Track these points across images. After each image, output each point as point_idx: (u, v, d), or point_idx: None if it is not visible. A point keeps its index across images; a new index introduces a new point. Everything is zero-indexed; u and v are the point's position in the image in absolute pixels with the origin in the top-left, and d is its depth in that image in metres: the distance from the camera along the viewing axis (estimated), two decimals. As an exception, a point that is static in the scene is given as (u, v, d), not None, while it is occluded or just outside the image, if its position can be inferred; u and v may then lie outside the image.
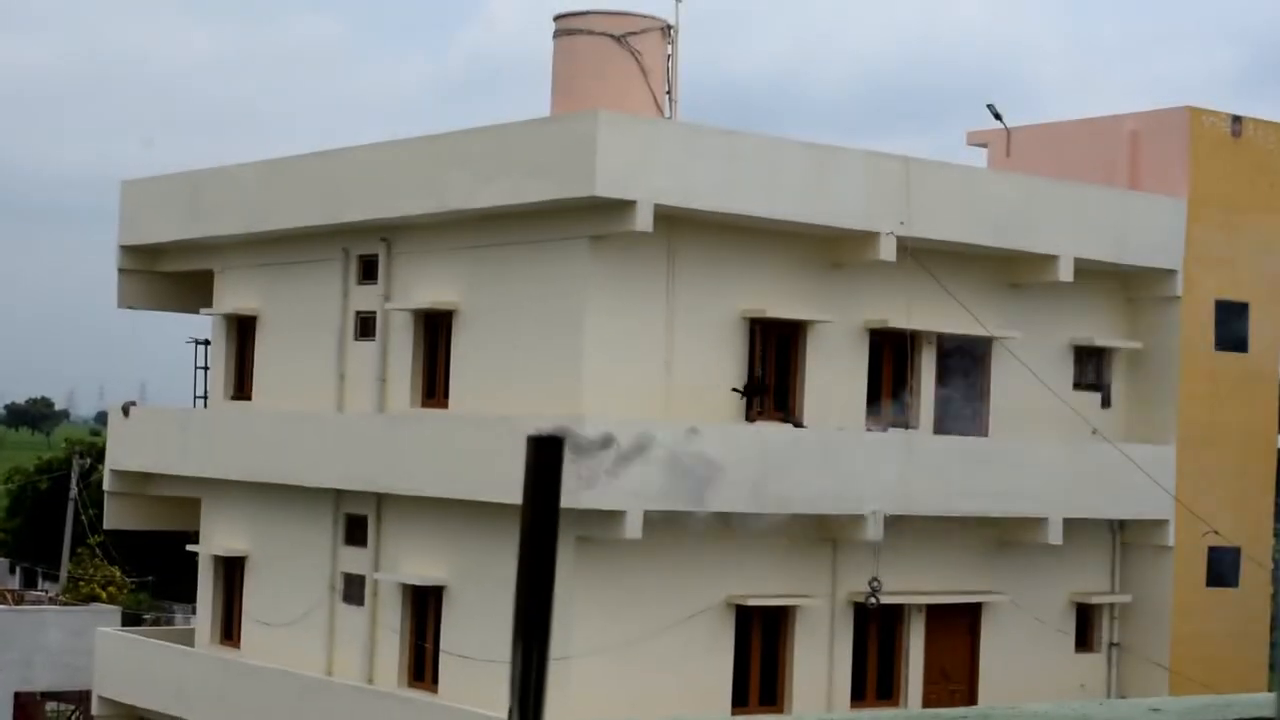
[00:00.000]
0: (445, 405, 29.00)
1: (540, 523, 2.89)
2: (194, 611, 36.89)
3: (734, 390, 27.70)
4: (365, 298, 30.56)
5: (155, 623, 53.80)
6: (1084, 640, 31.76)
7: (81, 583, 58.37)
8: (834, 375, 28.69)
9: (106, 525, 37.31)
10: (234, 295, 33.56)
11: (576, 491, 24.45)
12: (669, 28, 29.92)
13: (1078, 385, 31.49)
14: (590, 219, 26.41)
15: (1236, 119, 32.28)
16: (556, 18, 30.09)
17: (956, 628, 30.35)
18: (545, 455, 2.94)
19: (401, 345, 29.81)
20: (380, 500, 29.85)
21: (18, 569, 72.33)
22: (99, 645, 36.39)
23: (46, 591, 61.09)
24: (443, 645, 28.70)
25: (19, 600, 52.38)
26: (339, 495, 30.58)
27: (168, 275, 35.52)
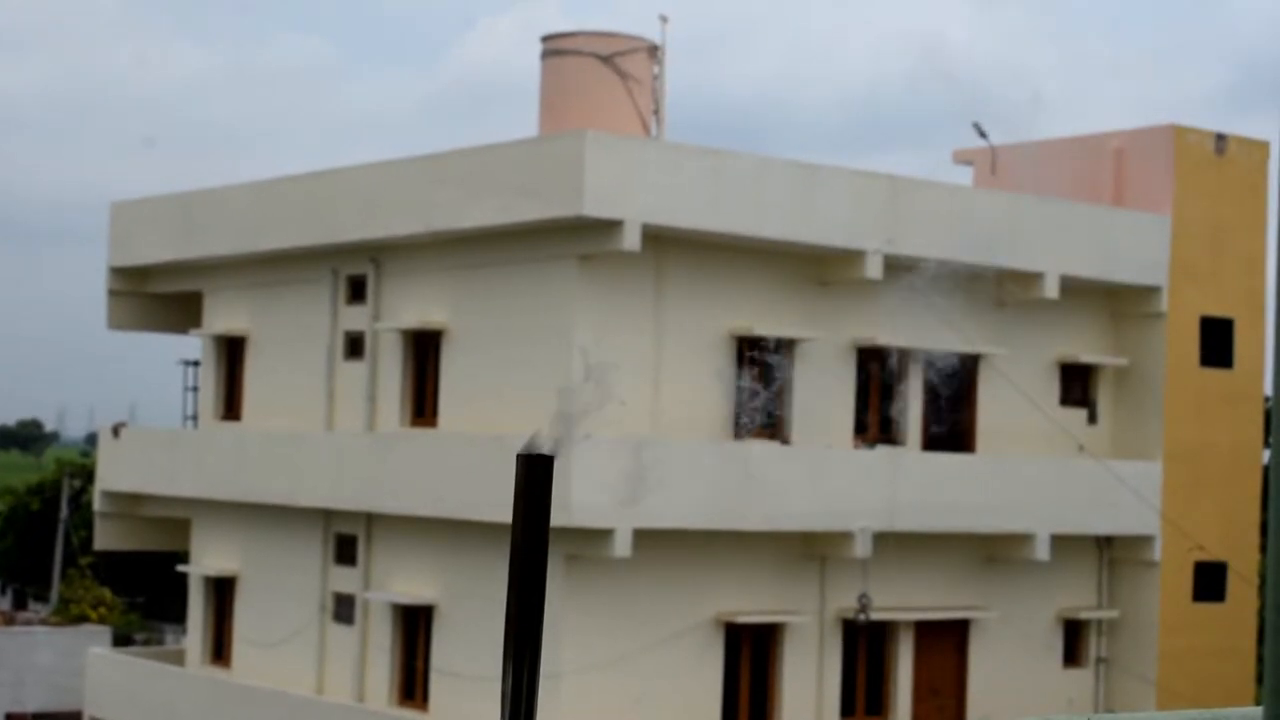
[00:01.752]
0: (434, 424, 29.05)
1: (531, 540, 2.93)
2: (185, 632, 36.86)
3: None
4: (354, 318, 30.61)
5: (146, 643, 53.66)
6: (1071, 656, 31.82)
7: (73, 604, 58.21)
8: (821, 393, 28.76)
9: (97, 546, 37.28)
10: (223, 316, 33.60)
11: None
12: (656, 48, 30.00)
13: (1064, 402, 31.58)
14: (578, 238, 26.48)
15: (1221, 137, 32.40)
16: (544, 39, 30.17)
17: (945, 644, 30.41)
18: (535, 473, 2.97)
19: (391, 365, 29.85)
20: (370, 519, 29.88)
21: (8, 590, 72.11)
22: (90, 666, 36.37)
23: (37, 613, 60.94)
24: (433, 664, 28.72)
25: (10, 621, 52.31)
26: (329, 515, 30.60)
27: (157, 296, 35.54)
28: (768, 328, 27.98)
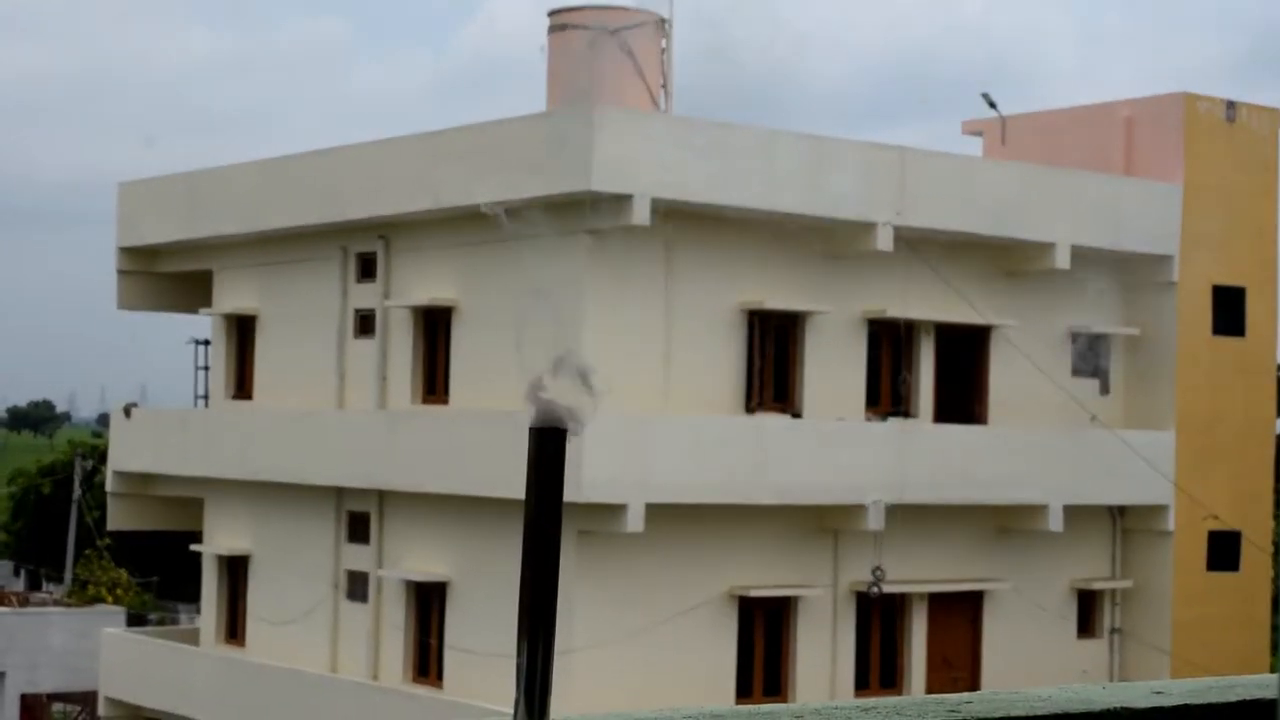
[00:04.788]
0: (446, 401, 29.04)
1: (544, 515, 2.90)
2: (199, 611, 36.92)
3: None
4: (364, 295, 30.59)
5: (160, 623, 53.79)
6: (1086, 626, 31.81)
7: (89, 585, 58.34)
8: (833, 366, 28.73)
9: (110, 526, 37.34)
10: (233, 295, 33.59)
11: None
12: (663, 21, 29.92)
13: (1076, 372, 31.52)
14: (588, 214, 26.43)
15: (1231, 104, 32.30)
16: (551, 13, 30.09)
17: (958, 615, 30.41)
18: (548, 447, 2.94)
19: (401, 342, 29.84)
20: (382, 497, 29.89)
21: (22, 571, 72.27)
22: (105, 646, 36.44)
23: (51, 593, 61.07)
24: (446, 640, 28.75)
25: (24, 602, 52.40)
26: (341, 493, 30.62)
27: (167, 276, 35.53)
28: (778, 301, 27.95)
